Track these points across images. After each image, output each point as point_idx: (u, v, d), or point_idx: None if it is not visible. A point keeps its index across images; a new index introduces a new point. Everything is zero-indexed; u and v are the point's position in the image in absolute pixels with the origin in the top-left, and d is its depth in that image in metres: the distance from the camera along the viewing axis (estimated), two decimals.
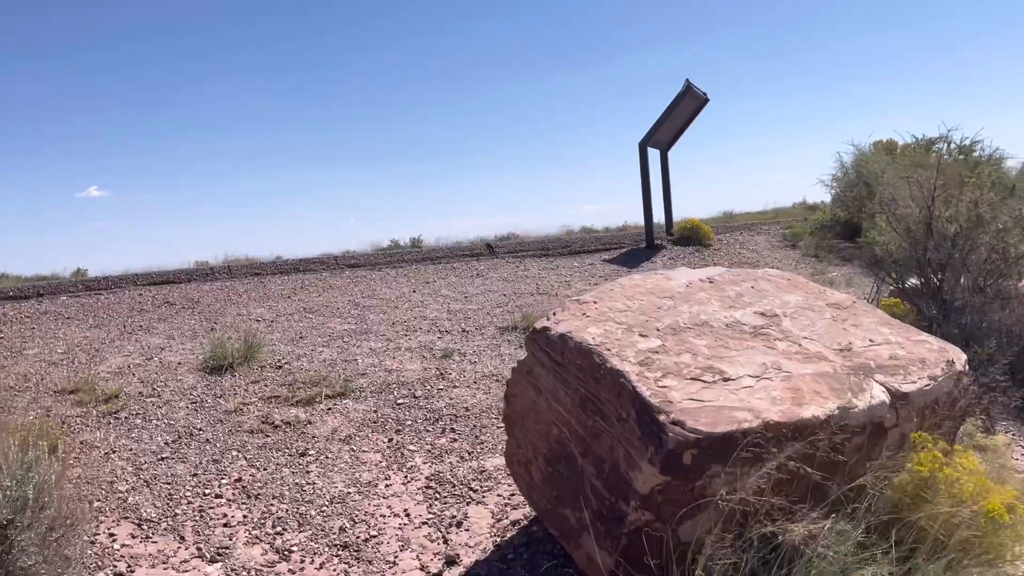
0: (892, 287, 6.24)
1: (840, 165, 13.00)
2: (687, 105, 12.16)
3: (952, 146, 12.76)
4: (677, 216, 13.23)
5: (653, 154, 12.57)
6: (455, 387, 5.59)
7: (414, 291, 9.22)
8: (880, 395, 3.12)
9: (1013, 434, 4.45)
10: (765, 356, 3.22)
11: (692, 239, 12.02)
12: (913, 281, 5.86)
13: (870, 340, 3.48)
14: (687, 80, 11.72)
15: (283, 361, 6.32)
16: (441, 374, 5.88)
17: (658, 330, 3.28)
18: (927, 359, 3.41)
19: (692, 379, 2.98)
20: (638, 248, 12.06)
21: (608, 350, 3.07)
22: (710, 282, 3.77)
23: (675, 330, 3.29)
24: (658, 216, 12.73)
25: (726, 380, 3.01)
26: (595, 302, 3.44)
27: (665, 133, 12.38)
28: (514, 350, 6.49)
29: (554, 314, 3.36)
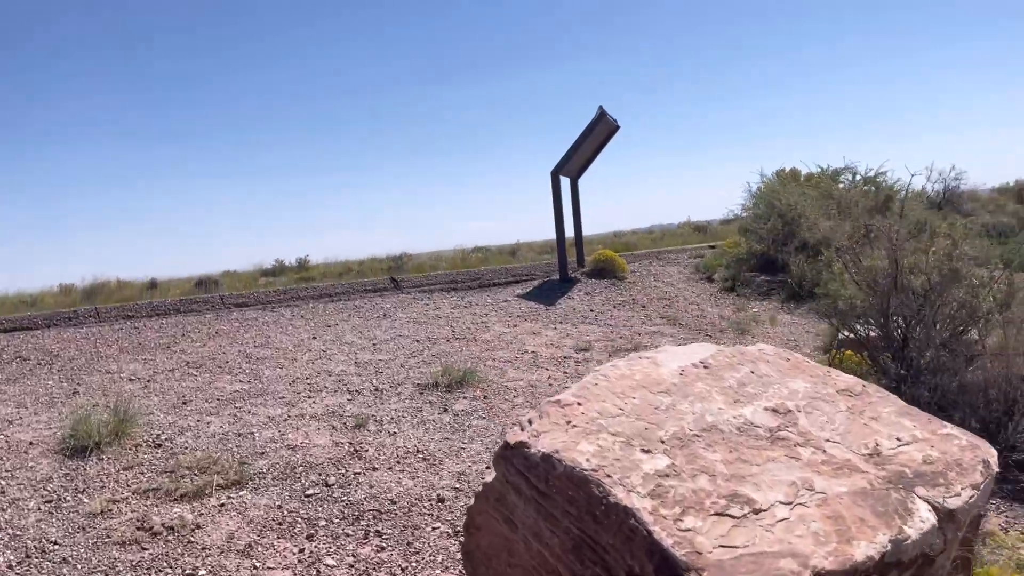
0: (848, 337, 5.86)
1: (749, 195, 12.90)
2: (599, 132, 11.74)
3: (858, 177, 12.92)
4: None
5: (564, 182, 12.07)
6: (374, 469, 4.77)
7: (314, 337, 8.27)
8: (928, 516, 2.55)
9: (1006, 515, 4.05)
10: (791, 471, 2.60)
11: (607, 271, 11.57)
12: (872, 332, 5.48)
13: (897, 439, 2.94)
14: (600, 107, 11.31)
15: (163, 437, 5.31)
16: (356, 451, 5.03)
17: (663, 442, 2.61)
18: (962, 461, 2.89)
19: (718, 514, 2.32)
20: (551, 281, 11.50)
21: (608, 476, 2.37)
22: (705, 368, 3.15)
23: (682, 440, 2.63)
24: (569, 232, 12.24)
25: (757, 512, 2.37)
26: (579, 403, 2.73)
27: (577, 161, 11.92)
28: (437, 414, 5.71)
29: (530, 422, 2.64)
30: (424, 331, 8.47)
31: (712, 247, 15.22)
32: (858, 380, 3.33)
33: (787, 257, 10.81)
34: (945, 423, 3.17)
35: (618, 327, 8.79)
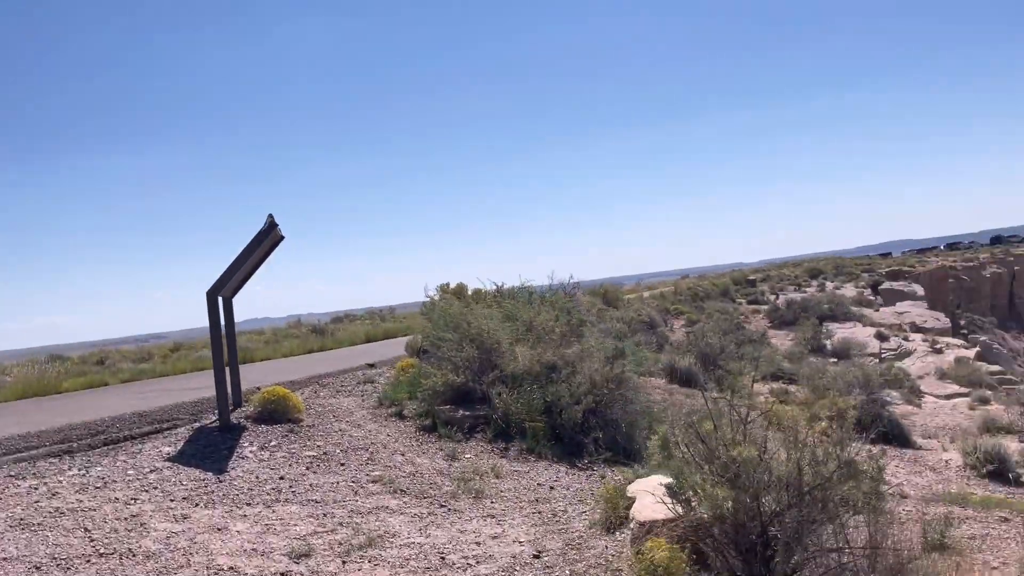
0: (673, 519, 4.87)
1: (430, 315, 11.85)
2: (266, 245, 9.79)
3: (534, 295, 12.67)
4: (157, 328, 10.49)
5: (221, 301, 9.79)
6: None
7: None
8: None
9: None
10: None
11: (279, 413, 9.45)
12: (713, 515, 4.53)
13: None
14: (270, 216, 9.41)
15: None
16: None
17: None
18: None
19: None
20: (207, 429, 8.99)
21: None
22: None
23: None
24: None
25: None
26: None
27: (239, 277, 9.77)
28: None
29: None
30: (44, 544, 5.61)
31: (372, 366, 13.87)
32: None
33: (487, 388, 9.86)
34: None
35: (328, 504, 6.85)
